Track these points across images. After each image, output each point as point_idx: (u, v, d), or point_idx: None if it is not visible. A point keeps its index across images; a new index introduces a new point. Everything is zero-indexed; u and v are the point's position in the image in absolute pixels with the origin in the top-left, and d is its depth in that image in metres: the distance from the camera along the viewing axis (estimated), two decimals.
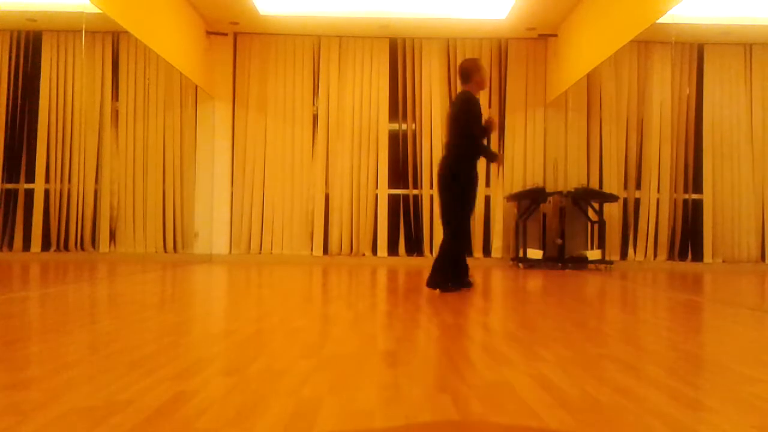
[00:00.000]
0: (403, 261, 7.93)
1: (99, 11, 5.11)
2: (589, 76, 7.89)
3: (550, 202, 7.87)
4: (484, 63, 8.14)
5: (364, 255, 7.87)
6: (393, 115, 8.14)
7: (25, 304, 3.36)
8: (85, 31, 7.96)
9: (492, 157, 4.47)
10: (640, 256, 8.06)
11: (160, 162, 8.07)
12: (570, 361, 2.03)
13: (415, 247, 8.10)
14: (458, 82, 4.57)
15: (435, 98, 8.09)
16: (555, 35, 7.72)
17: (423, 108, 8.10)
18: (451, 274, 4.32)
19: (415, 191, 8.11)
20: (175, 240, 8.01)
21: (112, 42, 8.16)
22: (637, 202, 8.15)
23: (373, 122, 8.05)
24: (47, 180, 8.04)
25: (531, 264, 7.51)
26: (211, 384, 1.68)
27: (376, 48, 8.07)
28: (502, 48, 8.18)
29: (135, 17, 5.49)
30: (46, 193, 8.03)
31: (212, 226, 7.97)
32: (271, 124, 8.08)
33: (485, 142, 4.53)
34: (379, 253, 7.89)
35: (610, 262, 7.57)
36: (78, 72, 8.10)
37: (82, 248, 7.97)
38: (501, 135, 8.15)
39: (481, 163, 8.16)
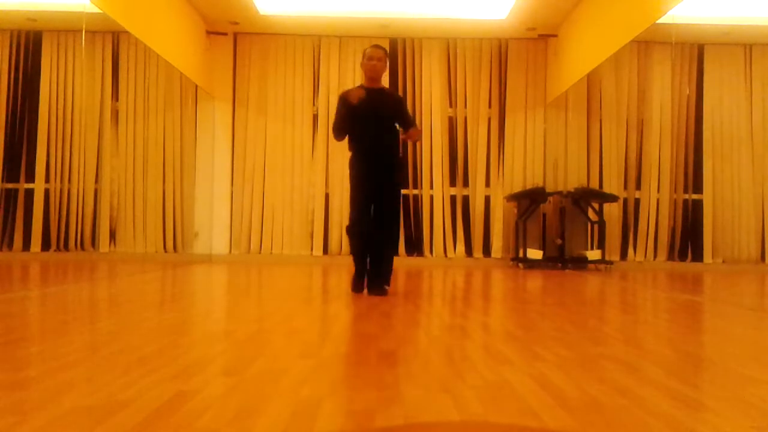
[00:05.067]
0: (403, 261, 7.92)
1: (99, 11, 5.11)
2: (589, 76, 7.89)
3: (550, 202, 7.87)
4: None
5: None
6: None
7: (25, 304, 3.36)
8: (85, 31, 7.96)
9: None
10: (640, 256, 8.05)
11: (160, 162, 8.07)
12: (570, 361, 2.03)
13: (415, 247, 8.10)
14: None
15: (435, 98, 8.09)
16: (555, 35, 7.72)
17: (423, 108, 8.10)
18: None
19: (415, 191, 8.11)
20: (175, 240, 8.01)
21: (112, 42, 8.16)
22: (637, 202, 8.15)
23: None
24: (47, 180, 8.04)
25: (531, 264, 7.51)
26: (211, 384, 1.68)
27: None
28: (502, 48, 8.18)
29: (135, 17, 5.49)
30: (46, 192, 8.03)
31: (212, 226, 7.97)
32: (271, 124, 8.08)
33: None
34: None
35: (610, 262, 7.56)
36: (78, 72, 8.10)
37: (82, 248, 7.97)
38: (501, 135, 8.15)
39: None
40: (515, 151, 8.13)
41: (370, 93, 4.03)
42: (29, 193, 8.06)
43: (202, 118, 8.05)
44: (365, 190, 4.04)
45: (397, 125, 4.20)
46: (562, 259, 7.63)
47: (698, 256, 8.07)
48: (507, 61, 8.18)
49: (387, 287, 4.13)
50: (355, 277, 4.18)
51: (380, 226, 4.08)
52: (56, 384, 1.64)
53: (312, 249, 7.96)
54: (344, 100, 4.08)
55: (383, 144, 4.08)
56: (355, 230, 4.11)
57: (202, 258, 7.90)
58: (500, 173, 8.13)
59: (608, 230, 7.87)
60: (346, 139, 4.17)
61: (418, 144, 8.10)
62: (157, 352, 2.07)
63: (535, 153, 8.12)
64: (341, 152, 8.00)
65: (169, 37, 6.35)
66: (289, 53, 8.12)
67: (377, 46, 4.11)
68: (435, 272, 6.60)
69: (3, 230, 8.01)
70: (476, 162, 8.10)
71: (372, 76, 4.08)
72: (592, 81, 8.13)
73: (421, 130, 4.00)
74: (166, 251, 7.97)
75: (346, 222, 7.94)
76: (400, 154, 4.18)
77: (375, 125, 4.03)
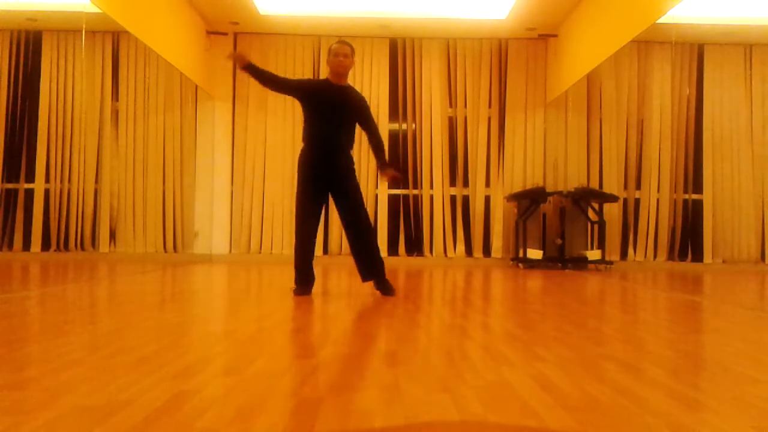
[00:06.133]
0: (403, 261, 7.92)
1: (99, 11, 5.11)
2: (589, 76, 7.89)
3: (550, 202, 7.87)
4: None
5: None
6: (393, 115, 8.14)
7: (25, 304, 3.36)
8: (85, 31, 7.95)
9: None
10: (640, 256, 8.05)
11: (160, 162, 8.07)
12: (570, 361, 2.03)
13: (415, 246, 8.10)
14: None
15: (435, 98, 8.09)
16: (555, 35, 7.72)
17: (423, 108, 8.09)
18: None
19: (415, 191, 8.11)
20: (175, 240, 8.01)
21: (112, 42, 8.16)
22: (637, 202, 8.15)
23: None
24: (47, 180, 8.04)
25: (531, 264, 7.51)
26: (211, 384, 1.68)
27: (376, 48, 8.07)
28: (502, 48, 8.18)
29: (135, 17, 5.49)
30: (46, 193, 8.03)
31: (212, 226, 7.97)
32: (271, 124, 8.08)
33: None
34: None
35: (610, 262, 7.56)
36: (78, 72, 8.10)
37: (82, 248, 7.97)
38: (501, 135, 8.15)
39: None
40: (515, 151, 8.12)
41: (335, 89, 4.02)
42: (29, 193, 8.06)
43: (202, 118, 8.05)
44: (314, 190, 3.98)
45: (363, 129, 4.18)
46: (562, 259, 7.63)
47: (698, 256, 8.07)
48: (507, 61, 8.18)
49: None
50: (300, 284, 4.01)
51: (355, 228, 4.02)
52: (56, 384, 1.64)
53: None
54: (310, 86, 4.09)
55: (340, 143, 4.03)
56: (303, 230, 3.99)
57: (202, 258, 7.90)
58: (500, 173, 8.13)
59: (608, 230, 7.87)
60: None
61: (418, 144, 8.10)
62: (157, 352, 2.07)
63: (535, 153, 8.12)
64: None
65: (169, 37, 6.34)
66: (289, 53, 8.12)
67: (344, 42, 4.06)
68: (435, 272, 6.60)
69: (3, 230, 8.01)
70: (476, 162, 8.10)
71: (339, 72, 4.03)
72: (592, 81, 8.13)
73: (394, 173, 4.05)
74: (166, 251, 7.97)
75: None
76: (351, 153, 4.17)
77: (335, 122, 4.00)
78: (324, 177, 3.99)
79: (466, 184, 8.13)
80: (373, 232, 4.21)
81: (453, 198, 8.11)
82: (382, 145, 4.22)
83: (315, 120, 4.02)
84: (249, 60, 4.03)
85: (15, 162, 8.10)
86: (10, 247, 7.96)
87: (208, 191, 8.00)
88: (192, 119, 8.08)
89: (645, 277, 6.49)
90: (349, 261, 7.81)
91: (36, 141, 8.05)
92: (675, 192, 8.13)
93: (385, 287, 4.03)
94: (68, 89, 8.09)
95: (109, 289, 4.29)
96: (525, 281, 5.53)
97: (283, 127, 8.06)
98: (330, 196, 4.09)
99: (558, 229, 7.87)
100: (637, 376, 1.83)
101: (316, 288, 4.15)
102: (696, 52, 8.20)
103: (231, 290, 4.35)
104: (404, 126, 8.18)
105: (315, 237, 4.12)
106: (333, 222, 7.98)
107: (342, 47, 4.02)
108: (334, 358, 2.05)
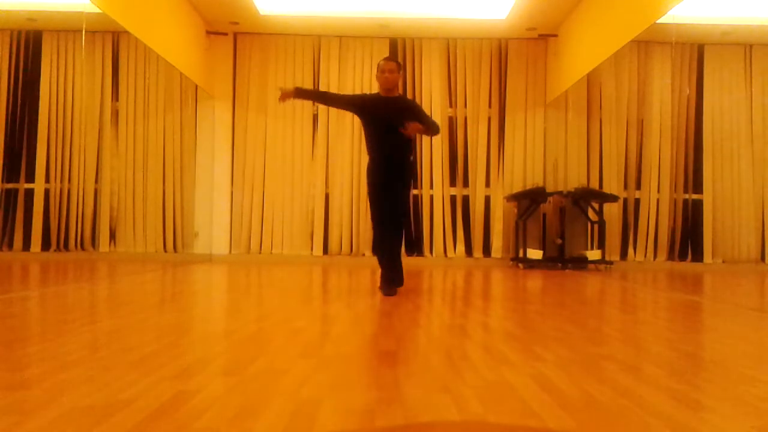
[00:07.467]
0: (403, 261, 7.90)
1: (99, 11, 5.11)
2: (589, 76, 7.89)
3: (550, 202, 7.87)
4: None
5: (364, 255, 7.87)
6: None
7: (25, 304, 3.36)
8: (85, 31, 7.96)
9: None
10: (640, 256, 8.05)
11: (160, 162, 8.07)
12: (570, 361, 2.03)
13: (415, 247, 8.10)
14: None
15: (435, 98, 8.08)
16: (555, 35, 7.72)
17: (423, 108, 8.08)
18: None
19: (415, 191, 8.11)
20: (175, 240, 8.01)
21: (112, 42, 8.16)
22: (637, 202, 8.15)
23: None
24: (47, 180, 8.04)
25: (531, 264, 7.51)
26: (211, 384, 1.68)
27: (376, 48, 8.07)
28: (502, 48, 8.18)
29: (135, 17, 5.49)
30: (46, 193, 8.03)
31: (212, 226, 7.97)
32: (271, 124, 8.08)
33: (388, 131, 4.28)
34: None
35: (610, 262, 7.56)
36: (78, 72, 8.09)
37: (82, 248, 7.97)
38: (501, 135, 8.15)
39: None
40: (515, 151, 8.12)
41: (385, 101, 4.30)
42: (29, 193, 8.06)
43: (202, 118, 8.05)
44: (384, 202, 4.29)
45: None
46: (562, 259, 7.63)
47: (698, 256, 8.07)
48: (507, 61, 8.18)
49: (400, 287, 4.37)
50: (389, 284, 4.26)
51: (390, 224, 4.33)
52: (56, 384, 1.64)
53: (312, 249, 7.96)
54: (363, 101, 4.36)
55: (397, 150, 4.29)
56: (384, 248, 4.35)
57: (202, 258, 7.90)
58: (500, 173, 8.13)
59: (608, 230, 7.87)
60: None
61: (417, 144, 8.09)
62: (157, 352, 2.07)
63: (535, 153, 8.12)
64: (341, 152, 8.01)
65: (169, 37, 6.35)
66: (289, 53, 8.12)
67: (389, 59, 4.37)
68: (435, 272, 6.60)
69: (3, 230, 8.01)
70: (476, 162, 8.10)
71: (386, 86, 4.31)
72: (592, 81, 8.13)
73: (426, 126, 4.30)
74: (166, 251, 7.97)
75: (345, 222, 7.98)
76: (412, 158, 4.48)
77: (390, 132, 4.24)
78: (391, 180, 4.30)
79: (466, 184, 8.13)
80: (400, 237, 4.60)
81: (453, 198, 8.11)
82: (434, 130, 4.44)
83: (374, 131, 4.32)
84: (292, 89, 4.33)
85: (15, 162, 8.10)
86: (10, 247, 7.96)
87: (208, 191, 8.00)
88: (192, 119, 8.08)
89: (645, 277, 6.49)
90: (349, 261, 7.85)
91: (36, 141, 8.05)
92: (675, 192, 8.13)
93: (393, 280, 4.28)
94: (68, 89, 8.09)
95: (109, 289, 4.28)
96: (525, 281, 5.53)
97: (283, 127, 8.06)
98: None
99: (558, 229, 7.87)
100: (637, 376, 1.83)
101: (317, 288, 4.15)
102: (696, 52, 8.20)
103: (231, 290, 4.35)
104: None
105: (397, 234, 4.48)
106: (333, 223, 7.98)
107: (388, 63, 4.30)
108: (334, 358, 2.05)
